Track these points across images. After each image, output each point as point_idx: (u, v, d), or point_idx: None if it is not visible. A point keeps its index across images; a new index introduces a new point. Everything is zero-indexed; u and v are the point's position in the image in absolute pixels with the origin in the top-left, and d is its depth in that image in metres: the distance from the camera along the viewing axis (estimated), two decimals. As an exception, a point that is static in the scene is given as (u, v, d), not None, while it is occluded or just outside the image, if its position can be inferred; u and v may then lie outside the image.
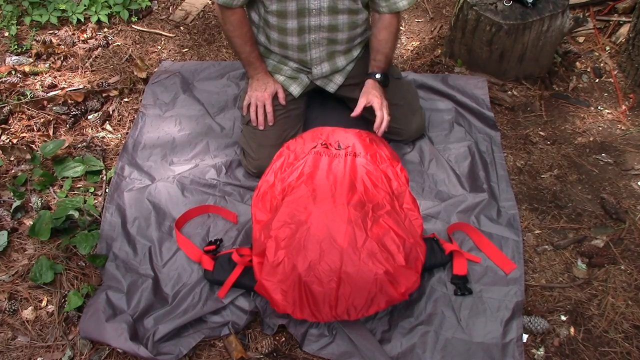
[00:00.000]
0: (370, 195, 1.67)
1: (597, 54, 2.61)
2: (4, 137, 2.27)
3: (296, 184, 1.71)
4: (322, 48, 1.91)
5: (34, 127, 2.30)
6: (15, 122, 2.32)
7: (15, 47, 2.71)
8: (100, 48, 2.70)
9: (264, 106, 1.98)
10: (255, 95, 1.98)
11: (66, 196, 2.04)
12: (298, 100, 2.06)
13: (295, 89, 2.02)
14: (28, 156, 2.15)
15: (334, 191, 1.65)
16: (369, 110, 2.11)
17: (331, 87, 2.07)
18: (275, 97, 2.00)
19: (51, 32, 2.79)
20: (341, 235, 1.53)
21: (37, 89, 2.47)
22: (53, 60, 2.62)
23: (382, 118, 1.87)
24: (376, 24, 1.91)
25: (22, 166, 2.15)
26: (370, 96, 1.90)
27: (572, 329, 1.67)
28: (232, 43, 1.93)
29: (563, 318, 1.69)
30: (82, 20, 2.82)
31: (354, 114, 1.90)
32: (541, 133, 2.27)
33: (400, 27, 2.77)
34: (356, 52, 2.01)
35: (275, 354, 1.63)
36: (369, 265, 1.50)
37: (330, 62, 1.97)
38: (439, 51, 2.64)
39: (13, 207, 1.98)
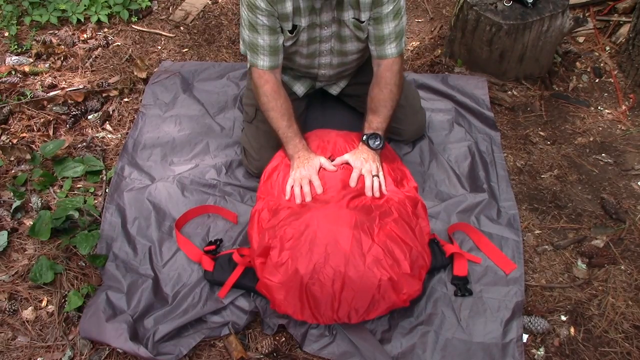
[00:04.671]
0: (377, 202, 1.67)
1: (597, 54, 2.61)
2: (4, 137, 2.27)
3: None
4: (331, 71, 1.93)
5: (34, 127, 2.30)
6: (15, 122, 2.32)
7: (15, 47, 2.71)
8: (100, 48, 2.70)
9: (310, 181, 1.73)
10: (300, 173, 1.73)
11: (66, 196, 2.04)
12: (299, 101, 2.06)
13: (299, 89, 2.03)
14: (28, 156, 2.15)
15: (341, 196, 1.65)
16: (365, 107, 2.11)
17: (334, 90, 2.08)
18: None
19: (51, 32, 2.79)
20: (347, 239, 1.53)
21: (37, 89, 2.47)
22: (53, 60, 2.62)
23: (367, 178, 1.71)
24: (373, 79, 1.81)
25: (22, 166, 2.15)
26: (353, 157, 1.75)
27: (572, 329, 1.67)
28: (268, 118, 1.79)
29: (563, 318, 1.69)
30: (82, 20, 2.82)
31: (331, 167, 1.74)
32: (541, 133, 2.27)
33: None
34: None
35: (275, 354, 1.63)
36: (373, 271, 1.50)
37: (337, 77, 2.00)
38: (439, 51, 2.64)
39: (13, 207, 1.98)
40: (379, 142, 1.78)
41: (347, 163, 1.75)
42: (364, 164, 1.73)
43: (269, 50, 1.72)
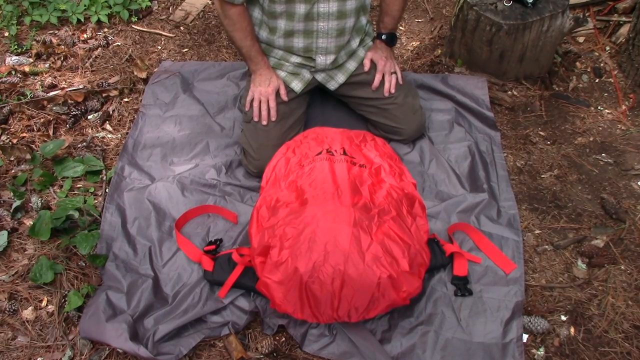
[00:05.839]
0: (375, 201, 1.67)
1: (597, 54, 2.61)
2: (4, 137, 2.27)
3: (302, 185, 1.71)
4: (330, 40, 1.92)
5: (34, 127, 2.30)
6: (15, 122, 2.32)
7: (15, 47, 2.71)
8: (100, 48, 2.70)
9: (267, 101, 1.99)
10: (259, 90, 1.99)
11: (66, 196, 2.04)
12: (299, 101, 2.06)
13: (297, 85, 2.03)
14: (28, 156, 2.15)
15: (339, 194, 1.65)
16: (368, 111, 2.12)
17: (332, 85, 2.07)
18: (277, 93, 2.01)
19: (51, 32, 2.79)
20: (346, 237, 1.52)
21: (37, 89, 2.47)
22: (53, 60, 2.62)
23: (386, 80, 2.04)
24: None
25: (22, 166, 2.15)
26: (377, 55, 2.05)
27: (572, 329, 1.67)
28: (232, 38, 1.94)
29: (563, 318, 1.69)
30: (82, 20, 2.82)
31: (365, 69, 2.05)
32: (541, 133, 2.27)
33: (400, 27, 2.79)
34: (354, 44, 2.03)
35: (275, 354, 1.63)
36: (372, 268, 1.50)
37: (336, 54, 1.99)
38: (439, 51, 2.64)
39: (13, 207, 1.98)
40: (395, 40, 2.11)
41: (371, 60, 2.05)
42: (385, 62, 2.05)
43: None
